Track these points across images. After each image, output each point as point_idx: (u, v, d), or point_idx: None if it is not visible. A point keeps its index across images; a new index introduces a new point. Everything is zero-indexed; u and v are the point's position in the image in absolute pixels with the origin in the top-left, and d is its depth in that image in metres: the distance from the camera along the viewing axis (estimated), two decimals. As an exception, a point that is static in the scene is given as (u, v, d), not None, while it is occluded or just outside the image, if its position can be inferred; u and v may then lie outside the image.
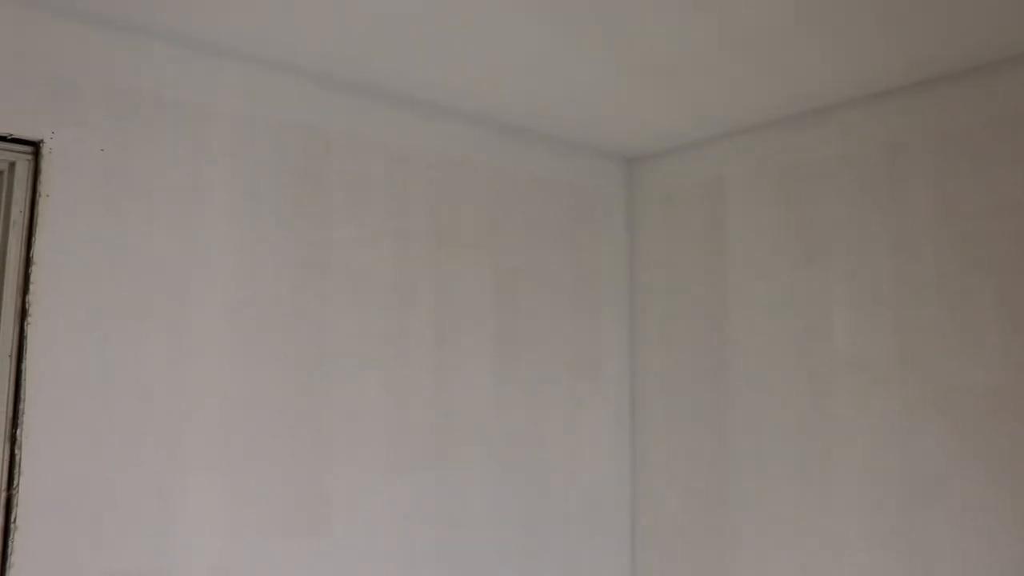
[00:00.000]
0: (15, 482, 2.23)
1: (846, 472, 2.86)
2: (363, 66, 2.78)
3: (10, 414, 2.25)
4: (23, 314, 2.29)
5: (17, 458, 2.23)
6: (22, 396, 2.26)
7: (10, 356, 2.28)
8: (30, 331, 2.29)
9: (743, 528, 3.14)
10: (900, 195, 2.82)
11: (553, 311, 3.39)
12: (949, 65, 2.68)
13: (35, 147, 2.36)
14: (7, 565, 2.19)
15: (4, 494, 2.23)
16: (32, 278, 2.30)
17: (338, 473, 2.77)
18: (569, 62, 2.73)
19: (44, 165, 2.35)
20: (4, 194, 2.36)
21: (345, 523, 2.77)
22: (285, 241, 2.74)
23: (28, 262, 2.31)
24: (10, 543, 2.20)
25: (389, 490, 2.88)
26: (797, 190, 3.08)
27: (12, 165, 2.36)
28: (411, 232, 3.03)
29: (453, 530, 3.02)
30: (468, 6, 2.37)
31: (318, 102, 2.86)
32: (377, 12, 2.41)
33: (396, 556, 2.88)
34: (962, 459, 2.61)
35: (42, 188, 2.34)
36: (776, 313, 3.10)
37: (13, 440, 2.24)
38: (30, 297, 2.30)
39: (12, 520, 2.21)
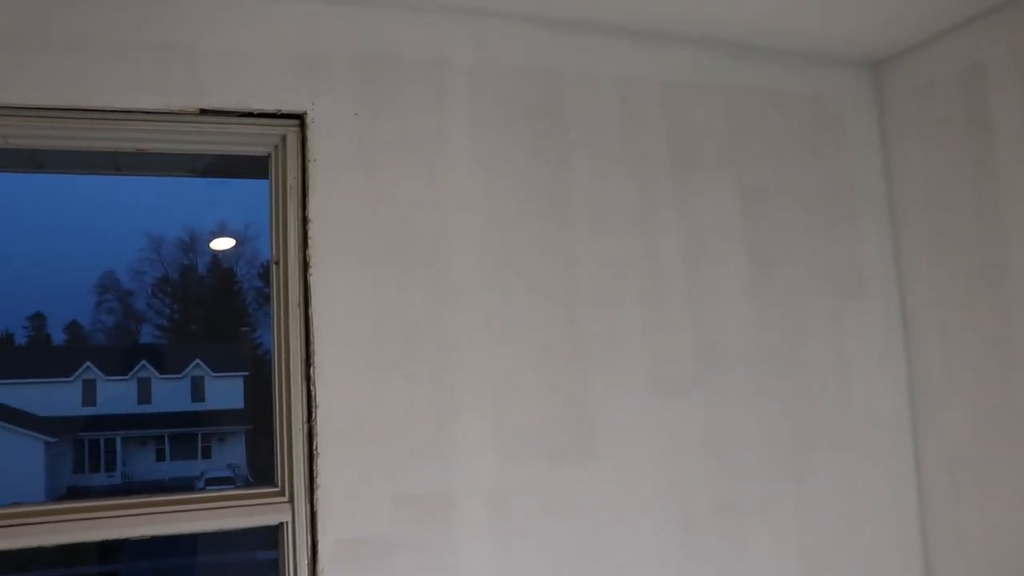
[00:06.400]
0: (313, 415, 2.51)
1: None
2: (583, 3, 2.82)
3: (303, 355, 2.54)
4: (305, 267, 2.57)
5: (313, 394, 2.52)
6: (311, 339, 2.54)
7: (299, 305, 2.57)
8: (312, 281, 2.56)
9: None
10: None
11: (806, 228, 3.26)
12: None
13: (300, 119, 2.64)
14: (315, 486, 2.48)
15: (306, 425, 2.52)
16: (310, 234, 2.58)
17: (599, 399, 2.85)
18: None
19: (309, 134, 2.62)
20: (280, 163, 2.66)
21: (610, 448, 2.85)
22: (528, 180, 2.86)
23: (305, 221, 2.59)
24: (315, 467, 2.49)
25: (651, 414, 2.92)
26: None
27: (284, 138, 2.66)
28: (649, 159, 3.04)
29: (719, 452, 3.00)
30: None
31: (545, 44, 2.94)
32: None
33: (663, 479, 2.91)
34: None
35: (309, 154, 2.62)
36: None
37: (308, 378, 2.53)
38: (309, 251, 2.57)
39: (315, 448, 2.50)
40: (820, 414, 3.19)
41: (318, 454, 2.50)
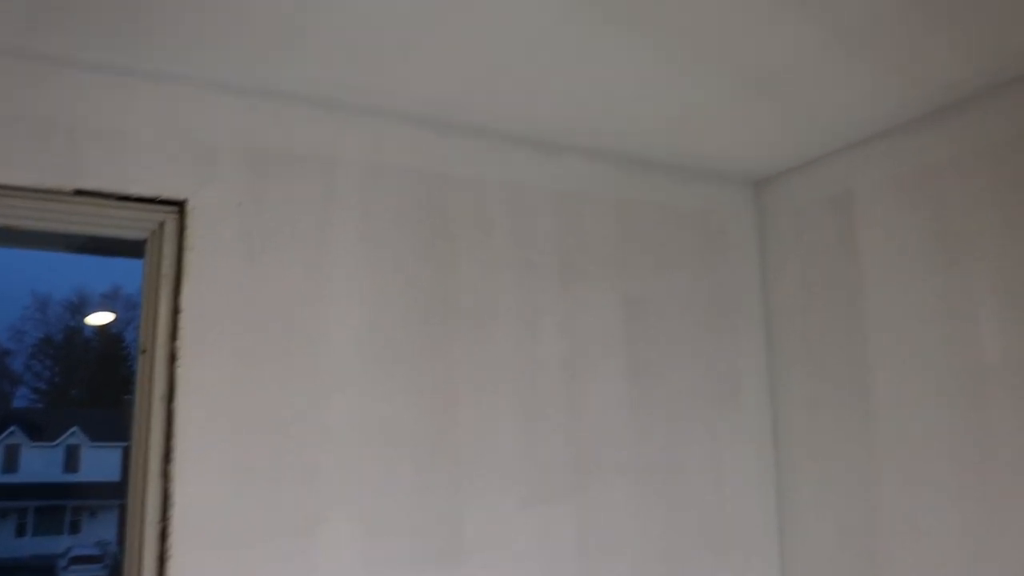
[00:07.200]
0: (168, 513, 2.39)
1: (1009, 486, 2.64)
2: (477, 110, 2.88)
3: (163, 451, 2.44)
4: (172, 359, 2.48)
5: (169, 491, 2.41)
6: (173, 434, 2.44)
7: (163, 398, 2.47)
8: (179, 374, 2.47)
9: (899, 555, 2.94)
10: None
11: (687, 339, 3.33)
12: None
13: (180, 206, 2.58)
14: (163, 591, 2.35)
15: (159, 525, 2.40)
16: (180, 324, 2.50)
17: (471, 505, 2.81)
18: (679, 86, 2.73)
19: (188, 221, 2.57)
20: (156, 250, 2.58)
21: (480, 555, 2.80)
22: (412, 280, 2.85)
23: (176, 311, 2.51)
24: (166, 570, 2.36)
25: (524, 521, 2.89)
26: (932, 193, 2.91)
27: (162, 224, 2.59)
28: (536, 266, 3.07)
29: (590, 562, 2.98)
30: (564, 43, 2.43)
31: (438, 148, 2.97)
32: (486, 60, 2.52)
33: (533, 589, 2.87)
34: None
35: (187, 243, 2.55)
36: (918, 324, 2.92)
37: (166, 475, 2.42)
38: (178, 343, 2.49)
39: (167, 549, 2.37)
40: (693, 525, 3.21)
41: (170, 556, 2.37)
